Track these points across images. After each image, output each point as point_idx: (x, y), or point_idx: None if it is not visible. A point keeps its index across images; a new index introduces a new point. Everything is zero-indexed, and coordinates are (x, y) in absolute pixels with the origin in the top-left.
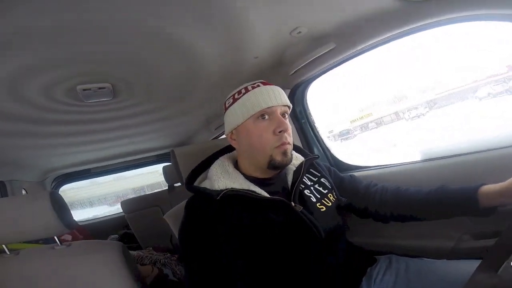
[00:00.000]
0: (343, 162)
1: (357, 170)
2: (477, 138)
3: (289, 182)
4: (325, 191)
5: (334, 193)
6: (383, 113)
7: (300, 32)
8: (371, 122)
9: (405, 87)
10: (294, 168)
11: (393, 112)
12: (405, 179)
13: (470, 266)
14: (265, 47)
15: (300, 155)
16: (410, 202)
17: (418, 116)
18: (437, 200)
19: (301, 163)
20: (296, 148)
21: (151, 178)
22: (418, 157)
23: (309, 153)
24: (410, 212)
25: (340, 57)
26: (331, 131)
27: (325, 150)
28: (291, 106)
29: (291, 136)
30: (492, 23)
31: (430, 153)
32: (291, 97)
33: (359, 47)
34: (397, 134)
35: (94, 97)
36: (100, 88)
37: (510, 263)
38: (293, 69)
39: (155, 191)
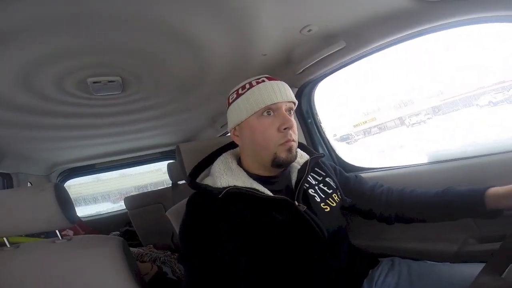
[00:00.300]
0: (348, 163)
1: (362, 172)
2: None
3: (293, 181)
4: (330, 191)
5: (338, 193)
6: (387, 118)
7: (310, 30)
8: (374, 127)
9: (411, 92)
10: (299, 167)
11: (397, 117)
12: (410, 181)
13: (474, 270)
14: (274, 44)
15: (305, 153)
16: (416, 203)
17: (419, 123)
18: (444, 201)
19: (306, 162)
20: (301, 146)
21: (154, 176)
22: (424, 160)
23: (314, 151)
24: (416, 214)
25: (350, 57)
26: (334, 135)
27: (330, 150)
28: (296, 102)
29: (296, 133)
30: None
31: (436, 156)
32: (298, 96)
33: (370, 47)
34: (399, 140)
35: (104, 90)
36: (110, 81)
37: None
38: (301, 67)
39: (158, 188)
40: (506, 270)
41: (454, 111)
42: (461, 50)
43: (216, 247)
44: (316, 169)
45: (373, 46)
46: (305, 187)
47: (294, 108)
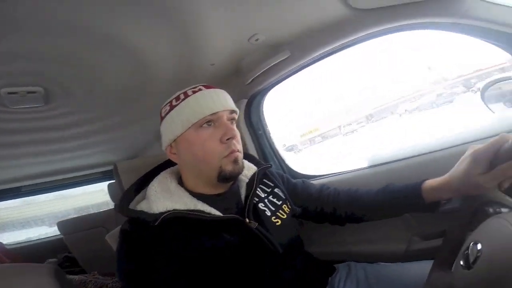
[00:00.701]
0: (298, 173)
1: (311, 179)
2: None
3: (243, 196)
4: (279, 202)
5: (288, 203)
6: (328, 127)
7: (258, 40)
8: (317, 136)
9: (349, 100)
10: (247, 180)
11: (337, 126)
12: (354, 185)
13: (425, 267)
14: (222, 53)
15: (253, 165)
16: (362, 201)
17: (352, 132)
18: (386, 198)
19: (254, 174)
20: (248, 157)
21: (98, 196)
22: (365, 164)
23: (262, 162)
24: (363, 212)
25: (295, 66)
26: (284, 145)
27: (280, 161)
28: (238, 111)
29: (240, 143)
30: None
31: (375, 159)
32: (248, 107)
33: (313, 55)
34: (341, 147)
35: (22, 103)
36: (29, 92)
37: (460, 261)
38: (250, 77)
39: (100, 210)
40: (454, 264)
41: (382, 118)
42: (387, 61)
43: (150, 275)
44: (264, 180)
45: (315, 55)
46: (255, 201)
47: (236, 117)
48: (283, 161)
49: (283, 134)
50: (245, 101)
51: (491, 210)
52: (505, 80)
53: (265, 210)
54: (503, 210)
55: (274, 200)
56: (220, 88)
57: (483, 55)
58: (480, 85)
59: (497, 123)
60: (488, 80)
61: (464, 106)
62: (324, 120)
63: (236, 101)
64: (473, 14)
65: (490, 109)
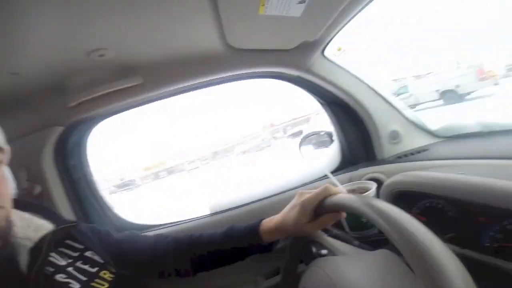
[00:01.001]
0: (130, 223)
1: (149, 230)
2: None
3: (23, 267)
4: (95, 269)
5: (111, 268)
6: (175, 162)
7: (103, 56)
8: (162, 170)
9: (199, 136)
10: (31, 244)
11: (183, 161)
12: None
13: None
14: (38, 62)
15: (47, 223)
16: (207, 247)
17: (196, 168)
18: (230, 241)
19: (45, 236)
20: (42, 212)
21: None
22: (208, 211)
23: (65, 219)
24: (210, 258)
25: (146, 95)
26: (121, 179)
27: (106, 210)
28: (5, 148)
29: (4, 195)
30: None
31: (218, 206)
32: (61, 139)
33: (170, 88)
34: (183, 184)
35: None
36: None
37: None
38: (77, 99)
39: None
40: None
41: (224, 157)
42: (236, 103)
43: None
44: (67, 242)
45: (173, 87)
46: (48, 273)
47: (6, 159)
48: (110, 210)
49: (121, 167)
50: (59, 128)
51: (314, 249)
52: (316, 134)
53: (69, 283)
54: (323, 251)
55: (86, 267)
56: (21, 107)
57: (298, 106)
58: (292, 131)
59: (315, 170)
60: (305, 133)
61: (279, 150)
62: (172, 154)
63: (41, 128)
64: (314, 70)
65: (302, 155)
